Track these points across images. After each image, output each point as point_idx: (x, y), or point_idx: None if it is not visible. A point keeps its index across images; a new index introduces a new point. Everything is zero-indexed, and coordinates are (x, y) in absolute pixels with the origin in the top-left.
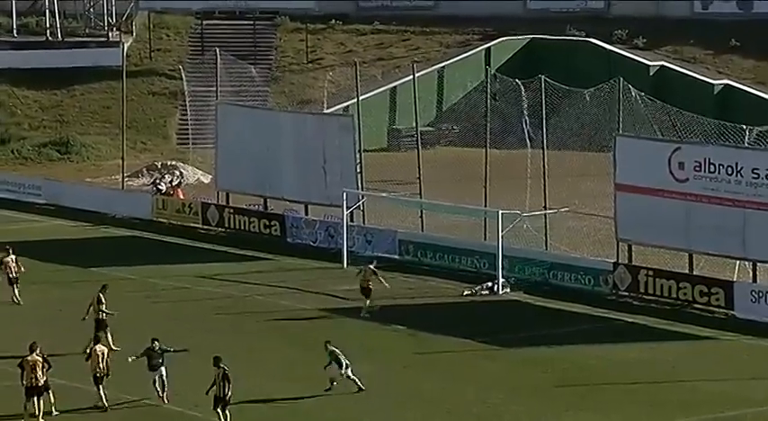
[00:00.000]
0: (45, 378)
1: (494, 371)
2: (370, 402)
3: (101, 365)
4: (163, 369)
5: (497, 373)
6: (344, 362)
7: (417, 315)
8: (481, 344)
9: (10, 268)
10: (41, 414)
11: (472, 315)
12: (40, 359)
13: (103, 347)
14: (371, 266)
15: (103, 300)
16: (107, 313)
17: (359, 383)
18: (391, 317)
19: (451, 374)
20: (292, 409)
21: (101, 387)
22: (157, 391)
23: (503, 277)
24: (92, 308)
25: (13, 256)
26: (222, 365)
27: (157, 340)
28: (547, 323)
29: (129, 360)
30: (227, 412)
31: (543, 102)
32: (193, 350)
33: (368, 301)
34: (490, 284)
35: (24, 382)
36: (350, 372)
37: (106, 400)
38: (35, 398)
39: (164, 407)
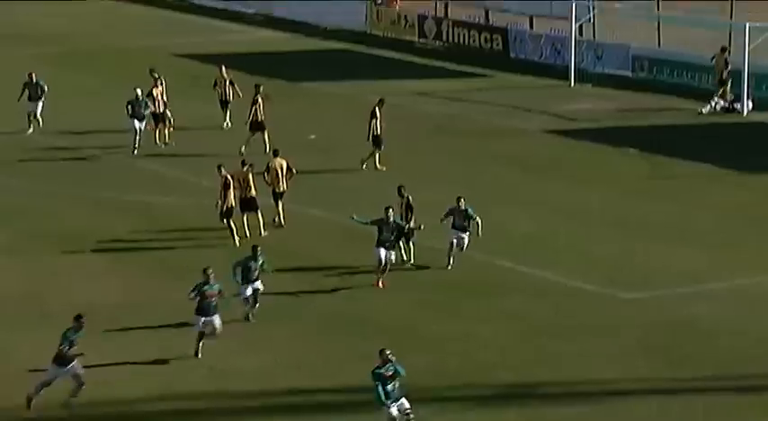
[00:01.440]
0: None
1: (735, 199)
2: (596, 229)
3: (280, 181)
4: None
5: (739, 201)
6: None
7: (651, 136)
8: (722, 169)
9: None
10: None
11: (712, 137)
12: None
13: (282, 161)
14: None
15: None
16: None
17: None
18: (623, 139)
19: (688, 202)
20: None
21: (279, 203)
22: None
23: (749, 96)
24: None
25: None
26: (406, 194)
27: (391, 209)
28: None
29: (353, 218)
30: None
31: None
32: (409, 173)
33: None
34: (728, 100)
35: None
36: None
37: (283, 218)
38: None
39: None
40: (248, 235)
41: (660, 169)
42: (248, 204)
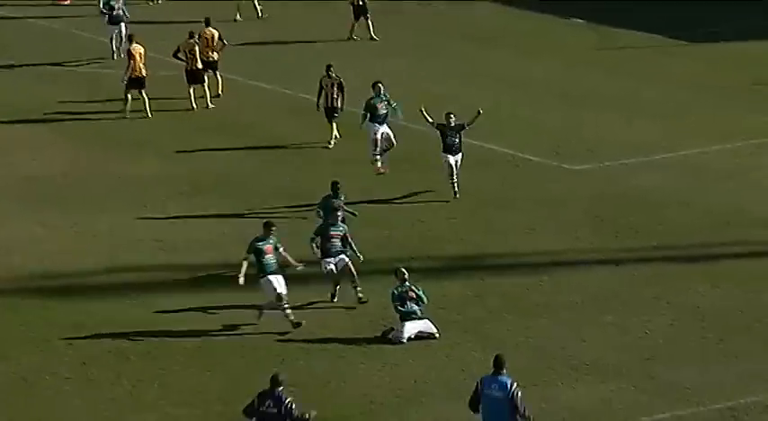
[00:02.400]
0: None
1: (684, 69)
2: (542, 101)
3: (210, 50)
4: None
5: (688, 71)
6: None
7: (598, 6)
8: (671, 39)
9: None
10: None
11: (662, 7)
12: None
13: (213, 30)
14: None
15: None
16: None
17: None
18: (569, 9)
19: (636, 72)
20: None
21: (217, 74)
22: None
23: None
24: None
25: None
26: (333, 74)
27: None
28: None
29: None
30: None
31: None
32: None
33: None
34: None
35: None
36: None
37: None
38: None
39: None
40: (194, 107)
41: (607, 39)
42: (194, 76)
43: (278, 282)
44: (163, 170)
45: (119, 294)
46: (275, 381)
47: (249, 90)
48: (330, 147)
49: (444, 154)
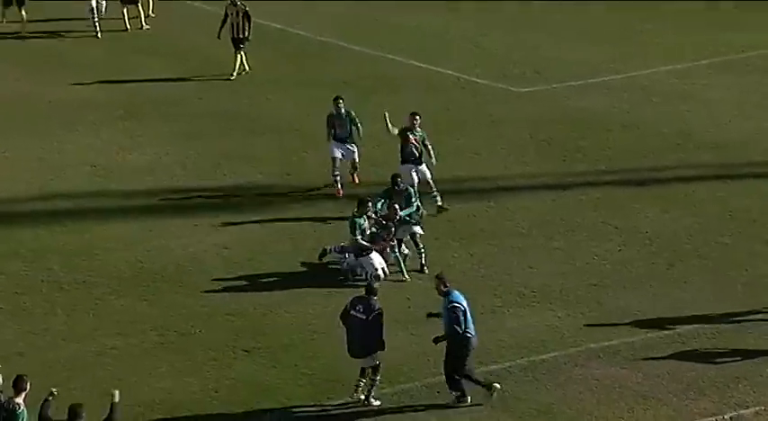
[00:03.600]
0: None
1: None
2: (487, 23)
3: None
4: None
5: None
6: None
7: None
8: None
9: None
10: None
11: None
12: None
13: None
14: None
15: None
16: None
17: None
18: None
19: None
20: None
21: None
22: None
23: None
24: None
25: None
26: (239, 2)
27: None
28: None
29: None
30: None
31: None
32: None
33: None
34: None
35: None
36: None
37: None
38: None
39: None
40: (128, 27)
41: None
42: None
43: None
44: (96, 94)
45: (52, 221)
46: (370, 290)
47: (187, 11)
48: (232, 78)
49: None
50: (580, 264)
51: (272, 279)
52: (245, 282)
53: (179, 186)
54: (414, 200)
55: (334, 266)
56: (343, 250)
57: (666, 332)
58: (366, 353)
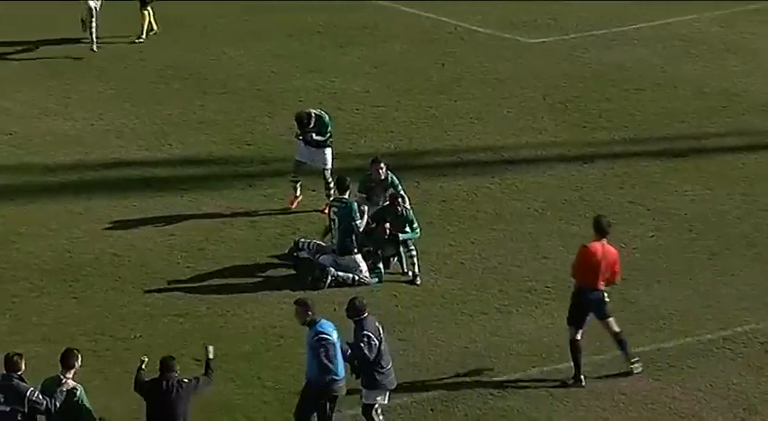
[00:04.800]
0: None
1: None
2: None
3: None
4: None
5: None
6: None
7: None
8: None
9: None
10: None
11: None
12: None
13: None
14: None
15: None
16: None
17: None
18: None
19: None
20: None
21: None
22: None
23: None
24: None
25: None
26: None
27: None
28: None
29: None
30: None
31: None
32: None
33: None
34: None
35: None
36: None
37: None
38: None
39: None
40: None
41: None
42: None
43: None
44: (13, 48)
45: None
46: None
47: None
48: (140, 41)
49: None
50: None
51: (228, 273)
52: (195, 277)
53: (115, 159)
54: (416, 225)
55: (305, 256)
56: (318, 250)
57: (709, 336)
58: None
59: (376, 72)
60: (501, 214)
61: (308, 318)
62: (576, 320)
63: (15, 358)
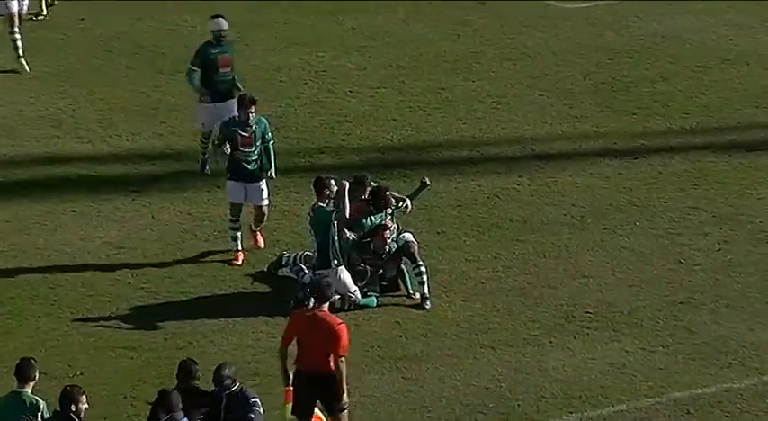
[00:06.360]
0: None
1: None
2: None
3: None
4: None
5: None
6: None
7: None
8: None
9: None
10: None
11: None
12: None
13: None
14: None
15: None
16: None
17: None
18: None
19: None
20: None
21: None
22: None
23: None
24: None
25: None
26: None
27: None
28: None
29: None
30: None
31: None
32: None
33: None
34: None
35: None
36: None
37: None
38: None
39: None
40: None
41: None
42: None
43: None
44: None
45: None
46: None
47: None
48: (40, 19)
49: None
50: (660, 272)
51: (191, 295)
52: (151, 300)
53: (50, 153)
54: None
55: (287, 275)
56: (306, 261)
57: None
58: None
59: (374, 45)
60: (530, 222)
61: None
62: None
63: None
